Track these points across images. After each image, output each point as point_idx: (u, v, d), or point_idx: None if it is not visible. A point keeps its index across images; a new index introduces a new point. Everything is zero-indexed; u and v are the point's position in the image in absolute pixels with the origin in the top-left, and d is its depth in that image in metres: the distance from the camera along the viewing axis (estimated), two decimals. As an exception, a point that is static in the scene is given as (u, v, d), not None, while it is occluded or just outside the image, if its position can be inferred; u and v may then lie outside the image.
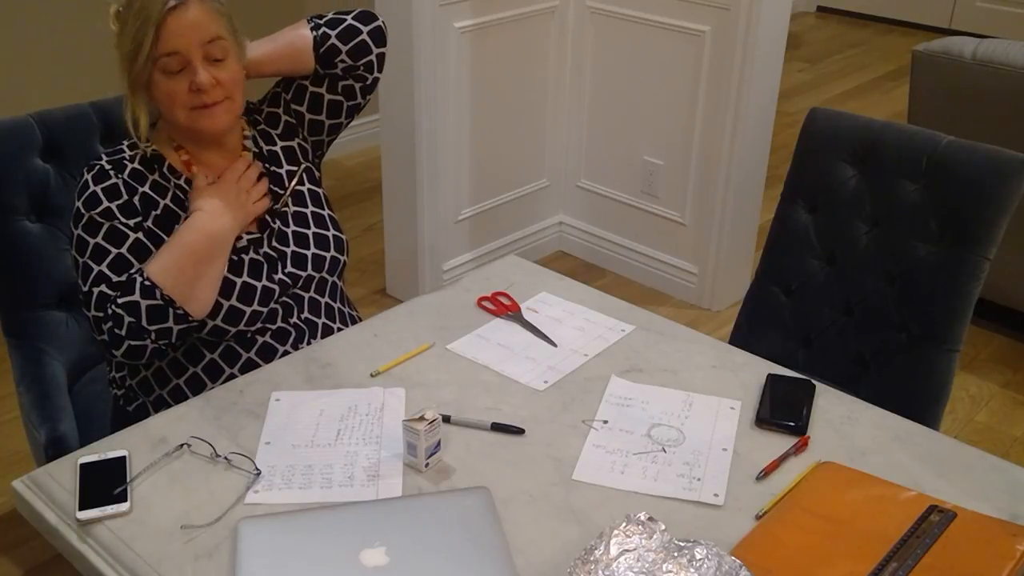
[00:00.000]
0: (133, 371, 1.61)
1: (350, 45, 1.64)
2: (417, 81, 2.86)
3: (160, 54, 1.43)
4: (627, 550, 1.06)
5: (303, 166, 1.69)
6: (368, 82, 1.69)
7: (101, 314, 1.43)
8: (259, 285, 1.56)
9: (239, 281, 1.54)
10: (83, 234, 1.48)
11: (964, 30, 5.79)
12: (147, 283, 1.42)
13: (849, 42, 6.18)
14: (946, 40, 2.81)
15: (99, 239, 1.47)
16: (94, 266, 1.46)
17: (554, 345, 1.60)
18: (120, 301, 1.42)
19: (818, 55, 5.90)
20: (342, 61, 1.64)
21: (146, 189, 1.52)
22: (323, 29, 1.63)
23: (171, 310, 1.43)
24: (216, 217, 1.48)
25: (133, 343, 1.43)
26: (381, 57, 1.69)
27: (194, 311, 1.46)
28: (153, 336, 1.44)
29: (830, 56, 5.89)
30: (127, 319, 1.42)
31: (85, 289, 1.46)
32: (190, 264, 1.45)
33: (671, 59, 3.05)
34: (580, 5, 3.21)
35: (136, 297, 1.42)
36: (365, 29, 1.65)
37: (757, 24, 2.80)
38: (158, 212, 1.51)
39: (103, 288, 1.44)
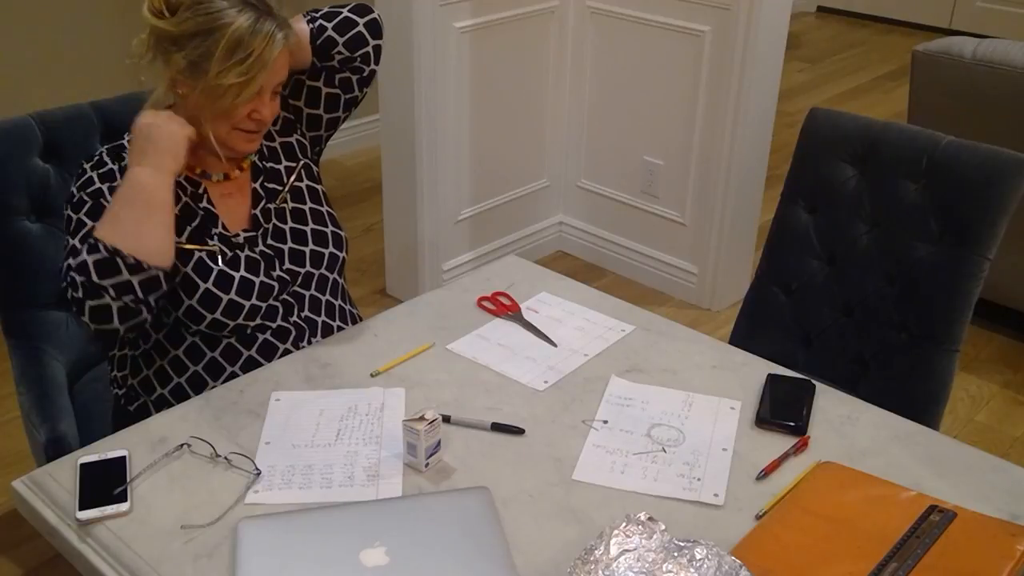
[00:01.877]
0: (135, 370, 1.61)
1: (346, 36, 1.64)
2: (417, 81, 2.86)
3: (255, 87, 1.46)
4: (627, 550, 1.06)
5: (301, 162, 1.69)
6: (365, 74, 1.70)
7: (64, 283, 1.41)
8: (257, 280, 1.55)
9: (237, 275, 1.54)
10: (70, 212, 1.49)
11: (964, 30, 5.79)
12: (91, 240, 1.40)
13: (849, 42, 6.18)
14: (946, 40, 2.81)
15: (81, 214, 1.47)
16: (70, 240, 1.46)
17: (554, 345, 1.60)
18: (72, 264, 1.40)
19: (818, 55, 5.90)
20: (339, 53, 1.65)
21: None
22: (319, 21, 1.64)
23: (119, 260, 1.39)
24: (140, 166, 1.45)
25: (92, 303, 1.39)
26: (377, 49, 1.69)
27: (147, 258, 1.40)
28: (112, 292, 1.39)
29: (830, 56, 5.89)
30: (79, 279, 1.39)
31: (60, 265, 1.44)
32: (126, 212, 1.42)
33: (671, 59, 3.05)
34: (580, 5, 3.21)
35: (84, 256, 1.39)
36: (361, 21, 1.67)
37: (757, 24, 2.80)
38: None
39: (68, 260, 1.42)
